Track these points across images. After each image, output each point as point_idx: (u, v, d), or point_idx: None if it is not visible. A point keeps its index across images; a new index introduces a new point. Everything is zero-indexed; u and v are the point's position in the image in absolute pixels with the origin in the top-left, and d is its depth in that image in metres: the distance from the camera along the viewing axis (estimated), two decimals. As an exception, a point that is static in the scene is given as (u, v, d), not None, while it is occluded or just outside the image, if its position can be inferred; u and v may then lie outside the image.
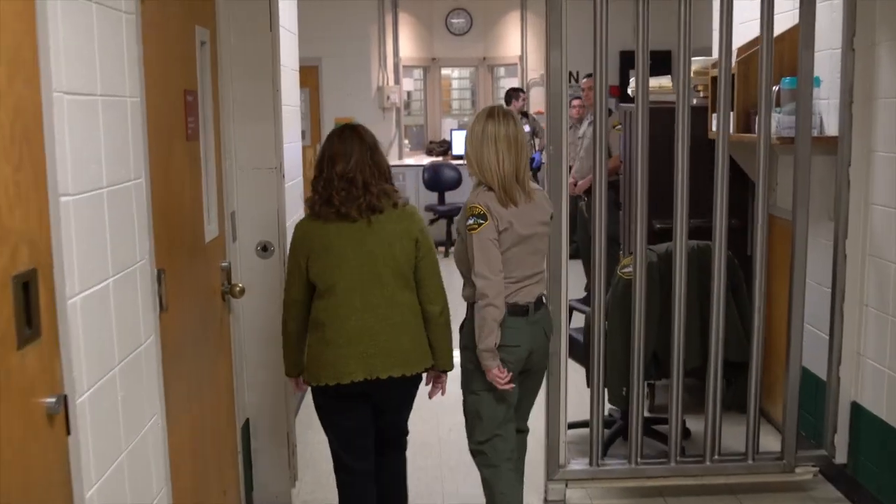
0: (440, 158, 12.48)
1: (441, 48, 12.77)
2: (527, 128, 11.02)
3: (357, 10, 11.84)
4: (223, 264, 3.64)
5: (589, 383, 4.35)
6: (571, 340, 4.47)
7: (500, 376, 3.39)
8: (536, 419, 4.00)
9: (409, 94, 12.98)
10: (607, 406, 4.60)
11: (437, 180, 11.51)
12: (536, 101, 12.38)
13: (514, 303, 3.44)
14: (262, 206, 3.92)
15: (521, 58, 12.56)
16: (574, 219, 10.39)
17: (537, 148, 11.30)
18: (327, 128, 11.83)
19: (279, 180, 3.92)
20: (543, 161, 11.96)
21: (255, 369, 4.02)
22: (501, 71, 13.10)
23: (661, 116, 4.47)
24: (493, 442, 3.53)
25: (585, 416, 4.41)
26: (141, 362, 2.49)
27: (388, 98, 12.04)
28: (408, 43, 12.50)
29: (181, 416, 2.87)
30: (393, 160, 12.14)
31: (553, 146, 4.07)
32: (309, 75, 11.87)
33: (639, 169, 4.21)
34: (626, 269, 4.37)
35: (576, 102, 10.53)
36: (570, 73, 12.27)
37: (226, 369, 3.70)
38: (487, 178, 3.41)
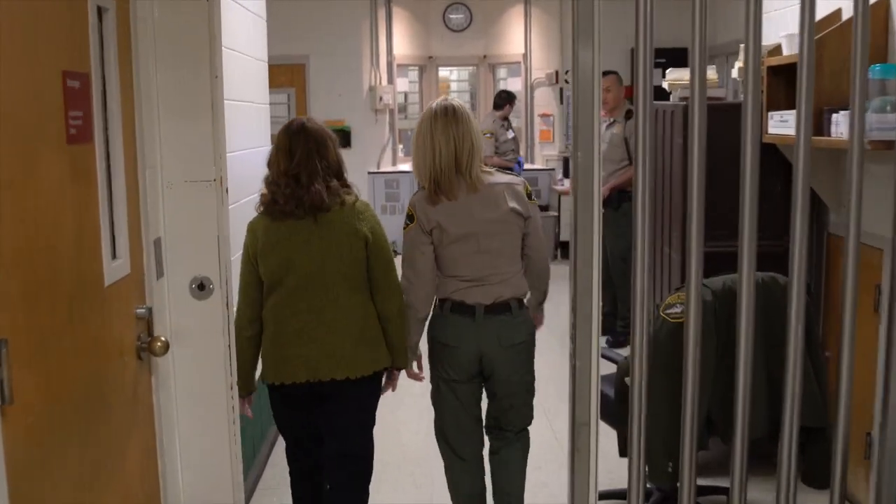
0: (437, 164, 11.52)
1: (438, 46, 11.98)
2: (510, 133, 10.12)
3: (348, 4, 11.02)
4: (139, 311, 2.70)
5: (623, 451, 3.42)
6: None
7: (415, 376, 3.58)
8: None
9: (404, 95, 12.16)
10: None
11: (433, 188, 10.56)
12: (542, 103, 11.50)
13: (459, 301, 3.38)
14: (199, 232, 2.98)
15: (524, 56, 11.66)
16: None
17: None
18: None
19: (221, 197, 2.97)
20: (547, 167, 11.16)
21: (191, 442, 3.07)
22: (503, 71, 12.20)
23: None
24: (447, 431, 3.59)
25: (613, 481, 3.64)
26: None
27: (381, 99, 11.17)
28: (402, 40, 11.66)
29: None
30: (386, 166, 11.24)
31: (582, 153, 3.12)
32: (295, 74, 11.01)
33: (695, 178, 3.26)
34: (673, 311, 3.43)
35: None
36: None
37: (144, 451, 2.76)
38: (420, 176, 3.38)
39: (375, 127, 11.24)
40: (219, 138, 2.94)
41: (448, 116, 3.36)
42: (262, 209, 3.29)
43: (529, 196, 3.49)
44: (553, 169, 11.26)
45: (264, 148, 4.88)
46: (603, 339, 7.16)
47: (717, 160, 3.48)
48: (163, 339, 2.71)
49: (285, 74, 11.09)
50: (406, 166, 11.51)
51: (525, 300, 3.54)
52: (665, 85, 5.00)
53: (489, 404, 3.61)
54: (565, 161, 11.27)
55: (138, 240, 2.73)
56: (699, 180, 3.17)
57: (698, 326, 3.26)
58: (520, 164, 10.25)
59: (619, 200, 6.78)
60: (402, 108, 12.29)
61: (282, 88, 11.25)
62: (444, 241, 3.36)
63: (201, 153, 2.92)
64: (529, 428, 3.68)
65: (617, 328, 7.06)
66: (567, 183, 10.86)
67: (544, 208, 11.21)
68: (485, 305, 3.39)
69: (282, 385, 3.28)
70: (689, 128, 3.18)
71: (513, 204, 3.39)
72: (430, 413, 3.72)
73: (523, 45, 11.65)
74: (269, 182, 3.27)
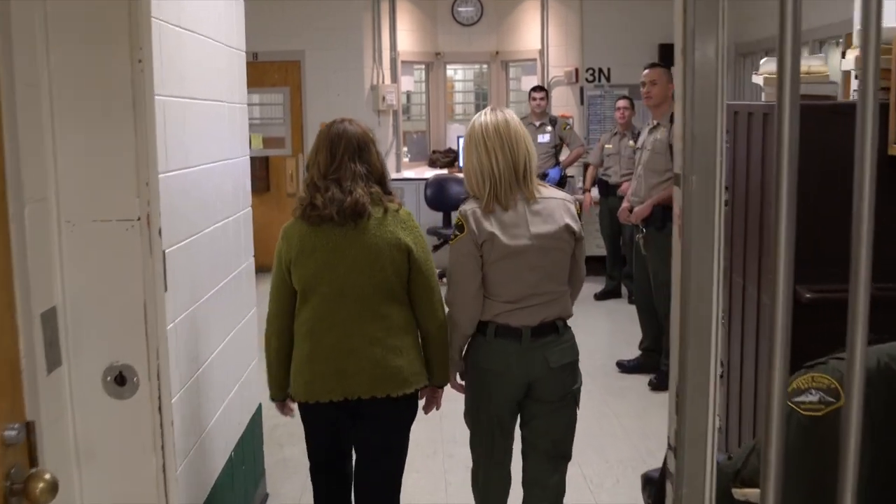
0: (445, 171, 10.56)
1: (446, 41, 10.96)
2: (546, 137, 9.11)
3: (348, -5, 10.04)
4: (8, 433, 1.69)
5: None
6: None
7: (459, 387, 3.42)
8: None
9: (408, 94, 11.15)
10: None
11: (441, 197, 9.58)
12: (560, 104, 10.51)
13: (504, 324, 3.24)
14: (115, 296, 1.96)
15: (541, 53, 10.64)
16: (616, 250, 8.61)
17: (562, 160, 9.40)
18: (311, 134, 10.01)
19: (149, 242, 1.96)
20: (570, 175, 10.15)
21: None
22: (516, 69, 11.20)
23: (803, 119, 2.56)
24: (480, 461, 3.48)
25: None
26: None
27: (384, 99, 10.19)
28: (407, 35, 10.65)
29: None
30: (390, 173, 10.18)
31: (698, 175, 2.08)
32: (289, 72, 10.06)
33: (783, 200, 2.22)
34: (806, 399, 2.40)
35: (621, 104, 8.68)
36: (601, 71, 10.37)
37: None
38: (474, 184, 3.24)
39: (378, 130, 10.18)
40: (145, 155, 1.92)
41: (501, 122, 3.23)
42: (298, 213, 3.12)
43: (580, 216, 3.36)
44: (572, 176, 10.24)
45: (240, 159, 3.90)
46: (642, 378, 6.27)
47: (826, 177, 2.72)
48: (48, 476, 1.70)
49: (279, 72, 10.15)
50: (412, 173, 10.53)
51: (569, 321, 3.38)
52: (758, 80, 3.96)
53: (526, 430, 3.46)
54: (585, 168, 10.25)
55: (10, 314, 1.73)
56: (789, 201, 2.13)
57: (858, 429, 2.23)
58: (550, 175, 9.10)
59: (663, 219, 5.79)
60: (407, 110, 11.32)
61: (275, 88, 10.30)
62: (494, 255, 3.19)
63: (118, 178, 1.90)
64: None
65: (661, 366, 6.06)
66: (585, 195, 9.87)
67: (563, 220, 10.20)
68: (531, 328, 3.24)
69: (316, 403, 3.13)
70: (777, 136, 2.16)
71: (568, 220, 3.26)
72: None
73: (539, 41, 10.64)
74: (309, 184, 3.11)
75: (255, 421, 4.24)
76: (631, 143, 8.59)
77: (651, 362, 6.25)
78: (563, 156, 9.46)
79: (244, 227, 3.99)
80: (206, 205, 3.25)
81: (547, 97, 9.31)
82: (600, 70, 10.33)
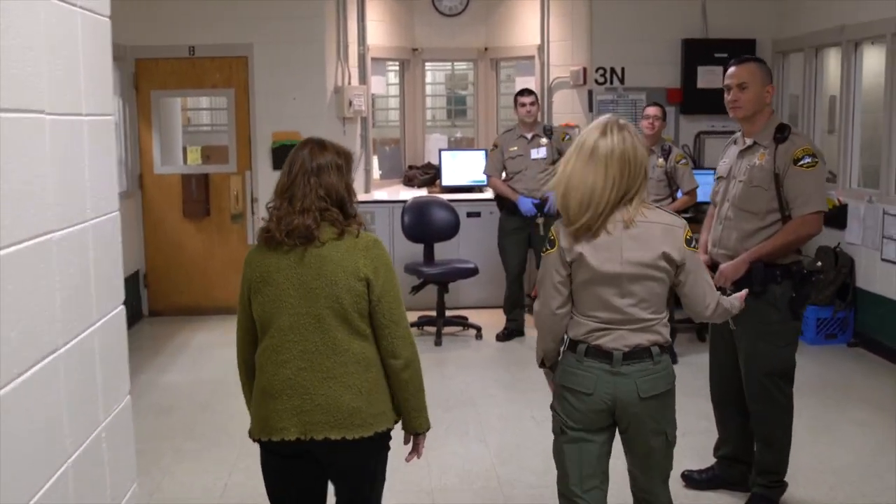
0: (424, 191, 8.73)
1: (425, 35, 9.26)
2: (541, 152, 7.36)
3: (306, -22, 8.29)
4: None
5: None
6: None
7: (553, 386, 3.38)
8: None
9: (378, 98, 9.48)
10: None
11: (421, 225, 7.76)
12: (564, 110, 8.78)
13: (595, 345, 3.16)
14: None
15: (540, 49, 8.88)
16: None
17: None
18: (261, 145, 8.41)
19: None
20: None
21: None
22: (508, 69, 9.53)
23: None
24: (569, 495, 3.28)
25: None
26: None
27: (351, 104, 8.40)
28: (379, 27, 8.89)
29: None
30: (357, 193, 8.32)
31: None
32: (234, 70, 8.39)
33: None
34: None
35: (651, 111, 6.98)
36: (613, 71, 8.61)
37: None
38: (572, 206, 3.08)
39: (343, 140, 8.27)
40: None
41: (622, 137, 3.08)
42: (259, 236, 3.02)
43: (689, 242, 3.15)
44: (578, 198, 8.46)
45: (102, 220, 2.05)
46: (718, 499, 4.53)
47: None
48: None
49: (221, 70, 8.36)
50: (384, 193, 8.73)
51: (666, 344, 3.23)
52: None
53: (628, 460, 3.33)
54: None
55: None
56: None
57: None
58: (551, 200, 7.27)
59: (764, 281, 4.04)
60: (381, 116, 9.58)
61: (216, 90, 8.47)
62: (582, 277, 3.14)
63: None
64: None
65: (751, 487, 4.28)
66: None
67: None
68: (623, 352, 3.14)
69: (269, 442, 2.97)
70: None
71: (667, 248, 3.11)
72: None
73: (539, 35, 8.88)
74: (268, 206, 3.03)
75: None
76: (660, 161, 6.88)
77: (732, 476, 4.46)
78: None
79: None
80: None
81: (537, 102, 7.53)
82: (612, 70, 8.57)
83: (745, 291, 3.53)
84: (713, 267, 4.24)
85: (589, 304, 3.17)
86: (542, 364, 3.38)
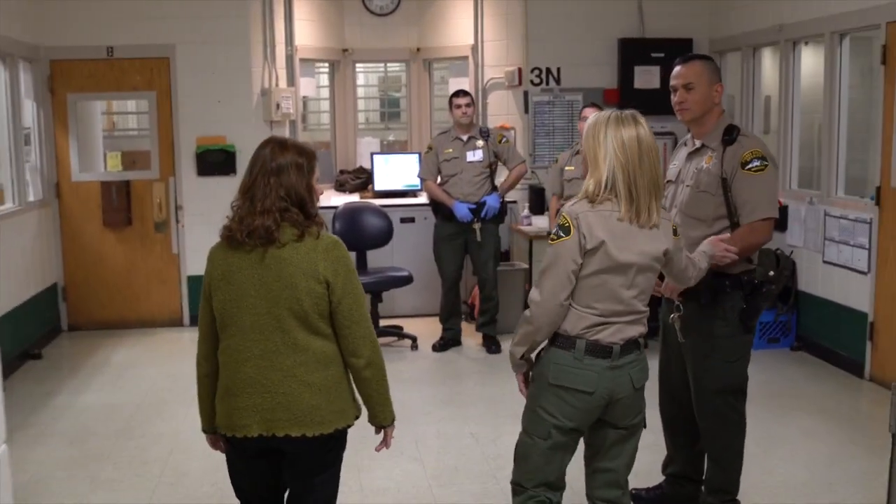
0: (356, 197, 8.46)
1: (356, 35, 8.96)
2: (477, 154, 7.16)
3: (231, -24, 7.97)
4: None
5: None
6: None
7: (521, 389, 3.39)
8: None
9: (308, 100, 9.17)
10: None
11: (353, 232, 7.45)
12: (499, 112, 8.59)
13: (594, 340, 3.16)
14: None
15: (474, 49, 8.64)
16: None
17: (499, 183, 7.44)
18: (185, 150, 8.08)
19: None
20: (511, 200, 8.17)
21: None
22: (442, 70, 9.30)
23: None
24: (532, 496, 3.28)
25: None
26: None
27: (279, 107, 8.05)
28: (308, 26, 8.56)
29: None
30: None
31: None
32: (156, 72, 8.10)
33: None
34: None
35: (589, 113, 6.76)
36: (549, 71, 8.43)
37: None
38: (632, 191, 3.12)
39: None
40: None
41: (648, 129, 3.22)
42: (221, 234, 3.06)
43: (675, 231, 3.31)
44: (515, 202, 8.25)
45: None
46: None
47: None
48: None
49: (141, 72, 8.01)
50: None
51: None
52: None
53: (597, 464, 3.36)
54: (532, 191, 8.29)
55: None
56: None
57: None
58: (489, 204, 7.22)
59: (713, 293, 3.86)
60: (306, 118, 9.29)
61: (137, 92, 8.12)
62: (597, 265, 3.12)
63: None
64: None
65: (703, 508, 4.11)
66: (538, 221, 7.91)
67: (506, 256, 8.22)
68: (620, 345, 3.18)
69: (234, 438, 3.04)
70: None
71: (668, 244, 3.23)
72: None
73: (472, 35, 8.64)
74: (231, 205, 3.04)
75: None
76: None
77: (681, 495, 4.27)
78: (501, 178, 7.47)
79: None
80: None
81: (473, 103, 7.29)
82: (548, 70, 8.37)
83: (716, 237, 3.70)
84: (661, 277, 4.04)
85: (593, 295, 3.15)
86: (521, 357, 3.30)
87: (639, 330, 3.26)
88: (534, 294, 3.20)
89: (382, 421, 3.17)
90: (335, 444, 3.11)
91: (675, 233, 3.29)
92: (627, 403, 3.26)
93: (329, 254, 2.99)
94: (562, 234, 3.13)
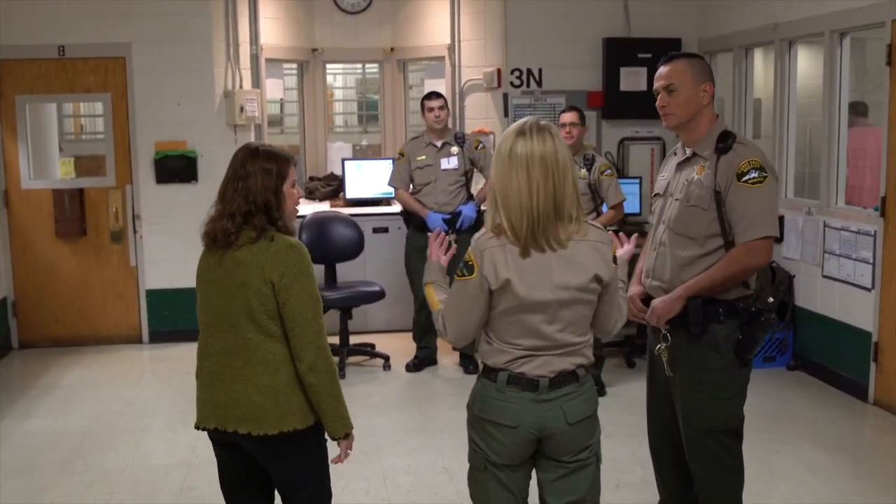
0: (327, 205, 8.00)
1: (326, 34, 8.54)
2: (452, 162, 6.73)
3: (191, -31, 7.52)
4: None
5: None
6: None
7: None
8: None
9: (277, 103, 8.79)
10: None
11: (322, 243, 6.98)
12: (477, 115, 8.16)
13: (518, 373, 2.94)
14: None
15: (451, 49, 8.21)
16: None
17: (475, 192, 7.01)
18: (142, 155, 7.67)
19: None
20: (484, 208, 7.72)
21: None
22: (417, 72, 8.87)
23: None
24: None
25: None
26: None
27: (243, 110, 7.59)
28: (274, 24, 8.13)
29: None
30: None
31: None
32: (111, 73, 7.70)
33: None
34: None
35: (567, 118, 6.38)
36: (530, 73, 7.99)
37: None
38: (511, 218, 2.81)
39: (234, 149, 7.55)
40: None
41: (546, 144, 2.84)
42: None
43: (614, 259, 2.95)
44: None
45: None
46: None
47: None
48: None
49: (96, 73, 7.57)
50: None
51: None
52: None
53: (545, 494, 3.07)
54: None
55: None
56: None
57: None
58: (464, 214, 6.79)
59: (704, 321, 3.41)
60: (276, 122, 8.78)
61: (91, 94, 7.67)
62: (506, 305, 2.87)
63: None
64: None
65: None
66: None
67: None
68: (549, 378, 2.92)
69: (204, 429, 3.20)
70: None
71: (598, 269, 2.88)
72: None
73: (449, 34, 8.23)
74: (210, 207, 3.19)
75: None
76: (583, 172, 6.25)
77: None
78: (478, 186, 7.03)
79: None
80: None
81: (447, 106, 6.83)
82: (529, 72, 7.93)
83: (627, 247, 3.28)
84: (646, 301, 3.58)
85: (512, 331, 2.94)
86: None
87: (574, 361, 2.97)
88: (439, 326, 3.04)
89: (332, 433, 3.16)
90: (287, 447, 3.13)
91: (614, 260, 2.96)
92: (563, 440, 2.99)
93: (279, 256, 3.04)
94: (465, 273, 2.91)
